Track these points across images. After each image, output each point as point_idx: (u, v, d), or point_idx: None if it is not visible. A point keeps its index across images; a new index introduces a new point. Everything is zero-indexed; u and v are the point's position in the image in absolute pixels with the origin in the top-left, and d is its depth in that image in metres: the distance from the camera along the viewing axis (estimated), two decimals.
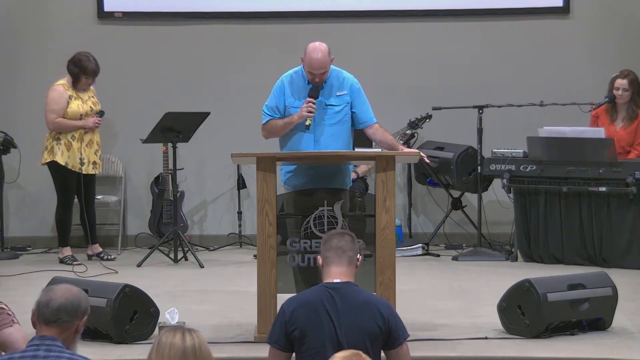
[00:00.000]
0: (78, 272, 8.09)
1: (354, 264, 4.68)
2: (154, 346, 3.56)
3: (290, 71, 6.38)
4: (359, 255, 4.72)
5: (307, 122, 6.18)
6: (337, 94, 6.28)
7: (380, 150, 6.34)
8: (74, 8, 9.70)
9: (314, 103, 6.18)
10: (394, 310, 4.61)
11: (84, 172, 8.60)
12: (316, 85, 6.23)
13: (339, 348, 4.34)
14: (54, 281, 3.84)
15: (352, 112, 6.32)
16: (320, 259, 4.72)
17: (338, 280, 4.58)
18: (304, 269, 6.05)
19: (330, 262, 4.65)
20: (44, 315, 3.70)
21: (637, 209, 8.23)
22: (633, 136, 8.49)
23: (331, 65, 6.26)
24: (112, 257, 8.88)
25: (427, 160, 6.42)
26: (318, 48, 6.19)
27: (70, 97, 8.58)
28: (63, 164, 8.55)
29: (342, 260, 4.64)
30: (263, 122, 6.37)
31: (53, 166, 8.60)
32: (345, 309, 4.49)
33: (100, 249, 8.89)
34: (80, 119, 8.61)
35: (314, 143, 6.25)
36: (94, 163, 8.70)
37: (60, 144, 8.56)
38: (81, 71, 8.59)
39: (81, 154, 8.59)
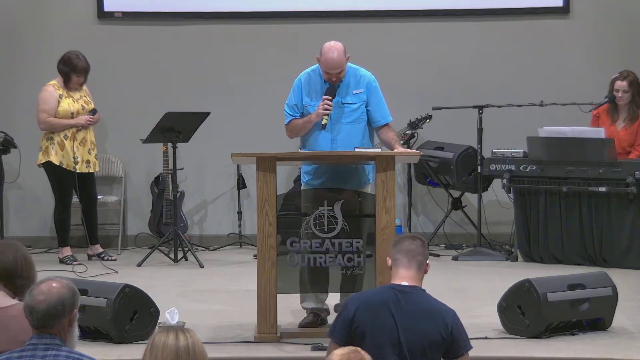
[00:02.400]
0: (78, 272, 8.09)
1: (423, 269, 4.64)
2: (147, 346, 3.56)
3: (308, 69, 6.37)
4: (428, 261, 4.69)
5: (323, 122, 6.17)
6: (354, 92, 6.27)
7: (380, 150, 6.33)
8: (74, 8, 9.70)
9: (330, 101, 6.17)
10: (459, 320, 4.57)
11: (77, 171, 8.60)
12: (333, 84, 6.22)
13: (399, 350, 4.36)
14: (38, 283, 3.81)
15: (367, 110, 6.31)
16: (389, 261, 4.68)
17: (406, 284, 4.56)
18: (312, 269, 6.04)
19: (400, 265, 4.61)
20: (31, 322, 3.71)
21: (637, 209, 8.23)
22: (634, 137, 8.49)
23: (348, 63, 6.25)
24: (113, 257, 8.88)
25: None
26: (334, 47, 6.17)
27: (60, 96, 8.59)
28: (57, 164, 8.56)
29: (411, 264, 4.60)
30: (286, 123, 6.38)
31: (48, 166, 8.61)
32: (409, 312, 4.46)
33: (101, 249, 8.89)
34: (72, 117, 8.61)
35: (331, 142, 6.24)
36: (88, 162, 8.69)
37: (54, 143, 8.57)
38: (71, 70, 8.59)
39: (74, 152, 8.59)
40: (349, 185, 6.22)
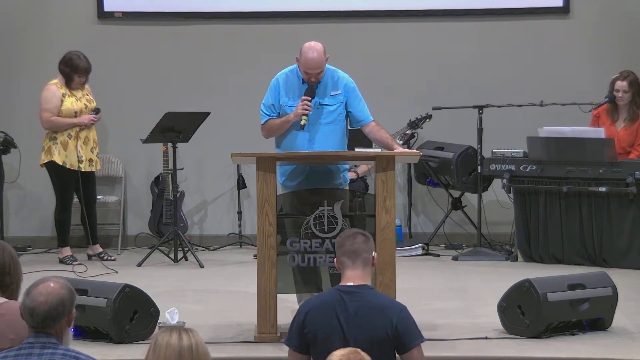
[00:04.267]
0: (78, 272, 8.09)
1: (369, 265, 4.65)
2: (150, 346, 3.56)
3: (286, 70, 6.38)
4: (374, 253, 4.70)
5: (302, 122, 6.18)
6: (332, 93, 6.28)
7: (380, 150, 6.33)
8: (74, 8, 9.71)
9: (309, 102, 6.17)
10: (408, 315, 4.54)
11: (82, 170, 8.60)
12: (312, 84, 6.23)
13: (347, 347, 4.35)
14: (35, 283, 3.82)
15: (348, 112, 6.31)
16: (336, 262, 4.70)
17: (352, 284, 4.57)
18: (303, 268, 6.05)
19: (345, 267, 4.63)
20: (30, 323, 3.71)
21: (637, 209, 8.23)
22: (634, 137, 8.50)
23: (326, 64, 6.25)
24: (113, 257, 8.88)
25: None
26: (314, 47, 6.18)
27: (63, 95, 8.59)
28: (61, 164, 8.55)
29: (356, 264, 4.61)
30: (262, 122, 6.38)
31: (51, 166, 8.60)
32: (354, 312, 4.48)
33: (101, 249, 8.89)
34: (75, 116, 8.61)
35: (309, 142, 6.25)
36: (90, 160, 8.69)
37: (57, 143, 8.56)
38: (73, 70, 8.59)
39: (78, 151, 8.59)
40: (326, 186, 6.22)
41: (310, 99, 6.18)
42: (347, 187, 6.47)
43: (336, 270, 5.84)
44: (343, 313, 4.48)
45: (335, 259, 4.72)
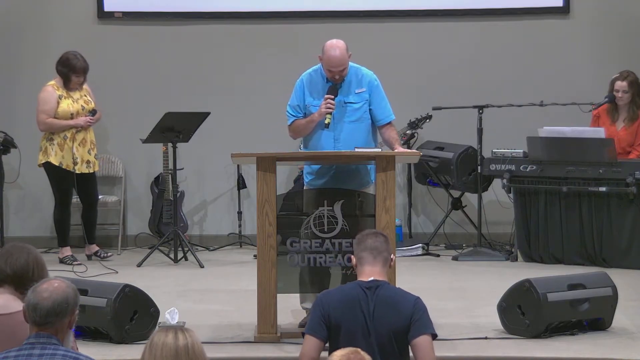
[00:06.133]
0: (78, 272, 8.09)
1: (388, 265, 4.78)
2: (147, 346, 3.57)
3: (310, 70, 6.38)
4: (392, 255, 4.80)
5: (327, 121, 6.17)
6: (356, 91, 6.27)
7: (380, 150, 6.33)
8: (74, 8, 9.70)
9: (332, 99, 6.17)
10: (423, 305, 4.70)
11: (77, 172, 8.59)
12: (336, 82, 6.22)
13: (369, 341, 4.53)
14: (40, 282, 3.84)
15: (370, 109, 6.31)
16: (354, 259, 4.80)
17: (372, 279, 4.68)
18: (311, 269, 6.05)
19: (365, 262, 4.74)
20: (33, 318, 3.71)
21: (637, 209, 8.23)
22: (634, 137, 8.50)
23: (349, 62, 6.25)
24: (109, 254, 8.87)
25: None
26: (336, 45, 6.18)
27: (60, 97, 8.58)
28: (57, 164, 8.56)
29: (377, 261, 4.73)
30: (288, 124, 6.38)
31: (48, 167, 8.61)
32: (377, 306, 4.61)
33: (97, 248, 8.88)
34: (71, 118, 8.60)
35: (334, 141, 6.24)
36: (88, 162, 8.68)
37: (54, 144, 8.57)
38: (70, 70, 8.58)
39: (73, 153, 8.58)
40: (351, 185, 6.22)
41: (333, 97, 6.18)
42: (371, 187, 6.45)
43: (350, 271, 5.89)
44: (366, 307, 4.60)
45: (352, 256, 4.80)
